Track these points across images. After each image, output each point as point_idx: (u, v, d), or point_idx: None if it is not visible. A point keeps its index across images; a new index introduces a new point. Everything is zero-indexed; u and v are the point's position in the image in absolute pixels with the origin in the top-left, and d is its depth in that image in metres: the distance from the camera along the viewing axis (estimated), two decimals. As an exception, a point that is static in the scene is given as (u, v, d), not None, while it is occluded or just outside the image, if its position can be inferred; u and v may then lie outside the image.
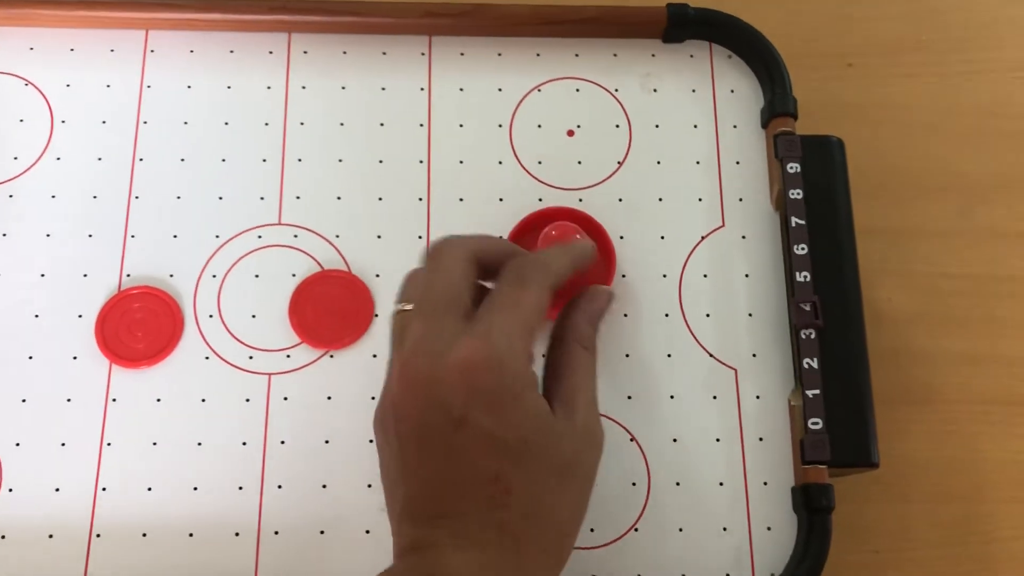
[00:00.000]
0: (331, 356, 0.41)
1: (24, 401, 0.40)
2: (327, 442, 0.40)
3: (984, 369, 0.47)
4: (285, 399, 0.40)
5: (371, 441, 0.39)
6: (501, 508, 0.32)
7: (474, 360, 0.32)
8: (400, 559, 0.32)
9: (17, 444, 0.39)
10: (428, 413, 0.32)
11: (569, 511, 0.34)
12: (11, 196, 0.43)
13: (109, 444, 0.39)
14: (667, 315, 0.42)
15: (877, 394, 0.45)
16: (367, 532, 0.39)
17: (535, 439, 0.32)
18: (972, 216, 0.50)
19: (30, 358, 0.40)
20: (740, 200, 0.44)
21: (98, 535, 0.38)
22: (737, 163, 0.45)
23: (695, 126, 0.45)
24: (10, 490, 0.39)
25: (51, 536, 0.38)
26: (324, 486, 0.39)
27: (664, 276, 0.43)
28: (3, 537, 0.38)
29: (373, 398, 0.40)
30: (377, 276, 0.42)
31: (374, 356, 0.41)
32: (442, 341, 0.33)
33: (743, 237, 0.43)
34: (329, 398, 0.40)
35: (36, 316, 0.41)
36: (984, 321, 0.48)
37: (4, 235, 0.42)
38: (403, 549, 0.32)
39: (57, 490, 0.39)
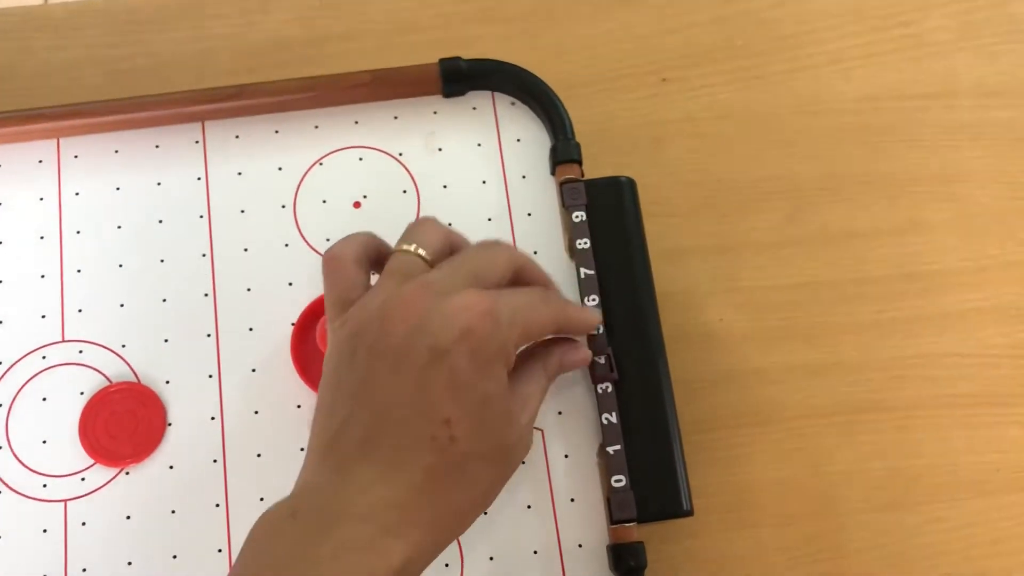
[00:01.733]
0: (127, 473, 0.40)
1: None
2: (129, 564, 0.39)
3: (824, 380, 0.46)
4: (83, 524, 0.39)
5: (175, 557, 0.39)
6: (437, 452, 0.32)
7: (476, 308, 0.33)
8: (309, 482, 0.33)
9: None
10: (414, 336, 0.32)
11: (483, 490, 0.34)
12: None
13: (-96, 596, 0.39)
14: (469, 383, 0.42)
15: (715, 420, 0.44)
16: (175, 652, 0.38)
17: (494, 406, 0.33)
18: (801, 222, 0.49)
19: None
20: (535, 252, 0.43)
21: None
22: (529, 214, 0.43)
23: (483, 181, 0.44)
24: None
25: None
26: (128, 609, 0.39)
27: (463, 342, 0.42)
28: None
29: (173, 511, 0.40)
30: (167, 383, 0.41)
31: (171, 467, 0.40)
32: (452, 288, 0.34)
33: (540, 291, 0.43)
34: (128, 517, 0.39)
35: None
36: (821, 330, 0.47)
37: None
38: (313, 474, 0.33)
39: None
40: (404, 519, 0.31)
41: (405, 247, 0.36)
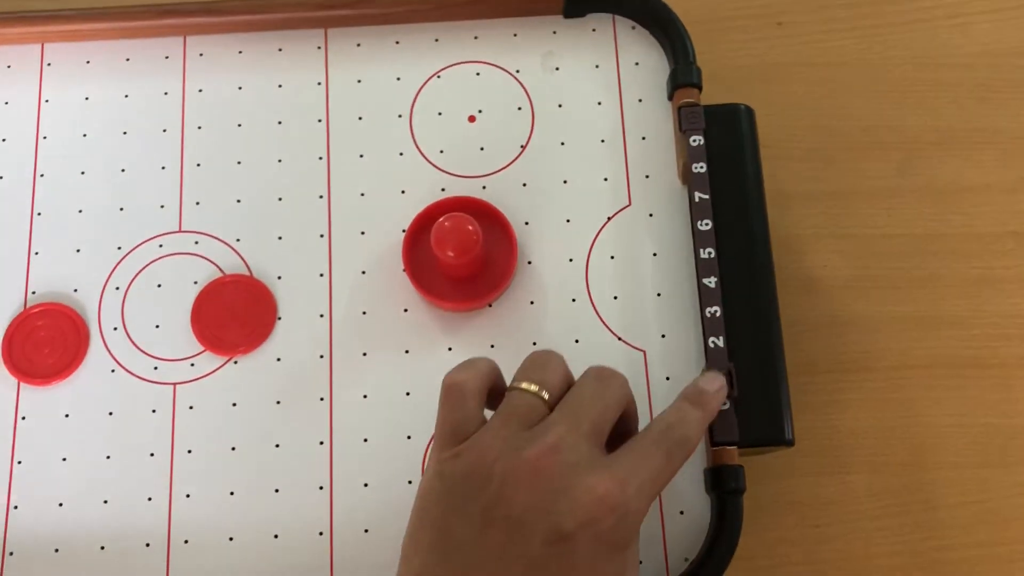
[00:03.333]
0: (235, 362, 0.41)
1: (-65, 424, 0.41)
2: (233, 449, 0.40)
3: (926, 332, 0.46)
4: (191, 408, 0.40)
5: (277, 446, 0.40)
6: None
7: (608, 501, 0.31)
8: None
9: (-72, 467, 0.40)
10: (536, 513, 0.31)
11: None
12: (-85, 221, 0.43)
13: (20, 462, 0.40)
14: (574, 300, 0.41)
15: (811, 365, 0.44)
16: (275, 536, 0.39)
17: None
18: (911, 173, 0.48)
19: (-61, 381, 0.41)
20: (647, 177, 0.43)
21: (11, 553, 0.39)
22: (643, 139, 0.43)
23: (599, 103, 0.44)
24: (-78, 513, 0.39)
25: (-35, 556, 0.39)
26: (232, 493, 0.39)
27: (571, 260, 0.42)
28: (-83, 559, 0.39)
29: (279, 402, 0.40)
30: (279, 278, 0.42)
31: (278, 360, 0.41)
32: (580, 458, 0.32)
33: (650, 215, 0.42)
34: (234, 405, 0.40)
35: (-56, 339, 0.42)
36: (925, 283, 0.46)
37: (-91, 260, 0.43)
38: None
39: (-31, 510, 0.40)
40: None
41: (527, 386, 0.34)
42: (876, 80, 0.49)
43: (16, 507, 0.39)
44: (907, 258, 0.47)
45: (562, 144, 0.43)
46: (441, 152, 0.43)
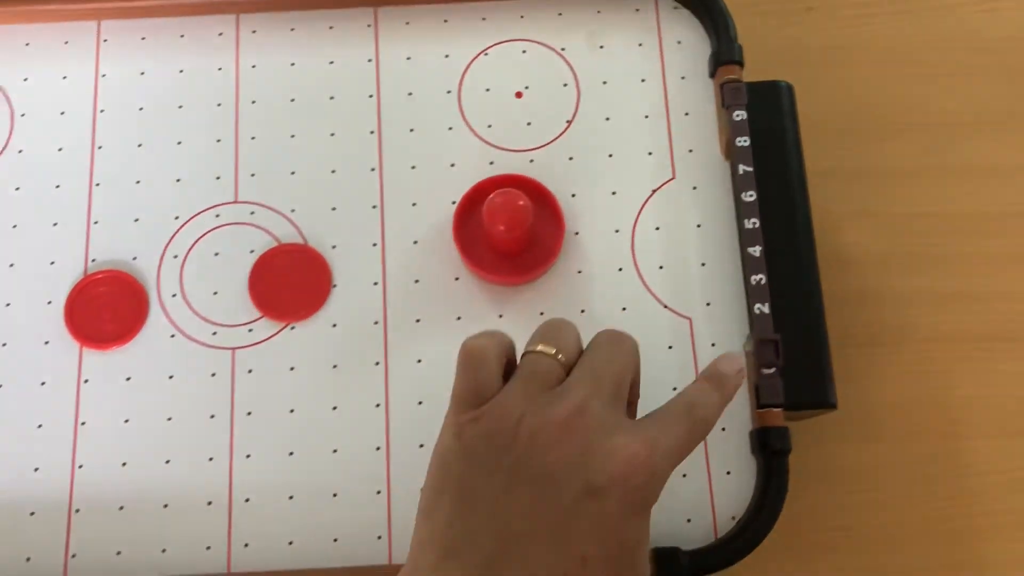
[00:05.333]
0: (292, 328, 0.42)
1: (0, 387, 0.42)
2: (292, 411, 0.41)
3: (956, 306, 0.47)
4: (249, 372, 0.41)
5: (335, 408, 0.41)
6: None
7: (638, 460, 0.32)
8: None
9: (-5, 428, 0.41)
10: (570, 470, 0.32)
11: None
12: (-23, 191, 0.44)
13: (83, 423, 0.41)
14: (620, 269, 0.43)
15: (846, 338, 0.45)
16: (334, 495, 0.40)
17: (635, 554, 0.32)
18: (941, 154, 0.50)
19: (3, 345, 0.42)
20: (690, 151, 0.44)
21: (77, 510, 0.40)
22: (686, 114, 0.45)
23: (643, 80, 0.45)
24: (-10, 472, 0.41)
25: (32, 513, 0.40)
26: (291, 453, 0.40)
27: (616, 231, 0.43)
28: (-14, 517, 0.40)
29: (335, 366, 0.41)
30: (333, 247, 0.43)
31: (333, 326, 0.42)
32: (607, 418, 0.32)
33: (694, 188, 0.44)
34: (292, 368, 0.41)
35: (7, 305, 0.42)
36: (955, 260, 0.48)
37: (-28, 229, 0.44)
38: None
39: (36, 470, 0.40)
40: None
41: (544, 348, 0.34)
42: (906, 63, 0.51)
43: (81, 466, 0.40)
44: (937, 236, 0.48)
45: (607, 119, 0.45)
46: (489, 127, 0.45)
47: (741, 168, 0.42)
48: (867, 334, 0.47)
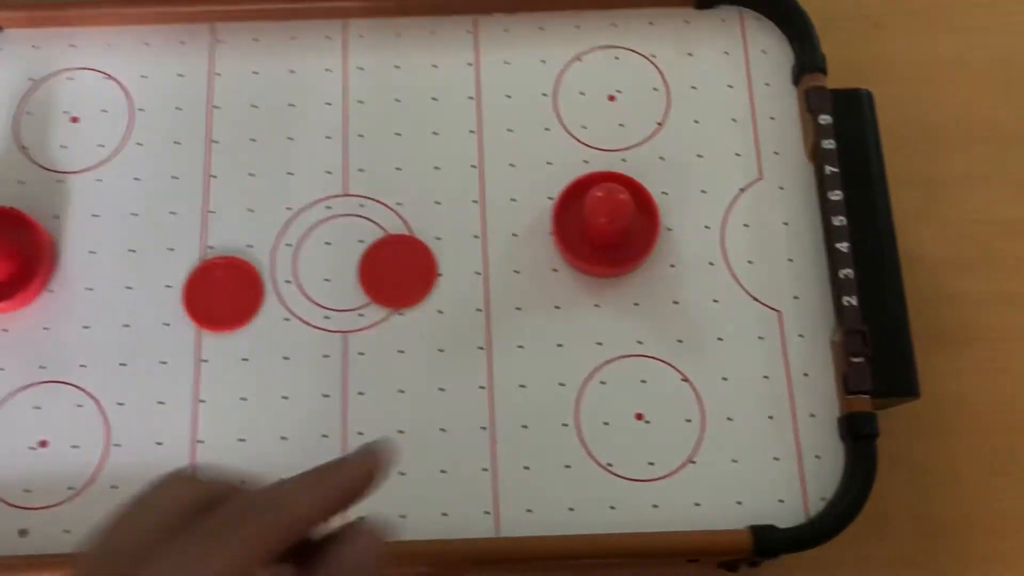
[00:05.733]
0: (400, 314, 0.44)
1: (123, 365, 0.43)
2: (401, 392, 0.43)
3: (1022, 309, 0.49)
4: (361, 354, 0.44)
5: (442, 389, 0.43)
6: None
7: None
8: None
9: (120, 404, 0.43)
10: None
11: None
12: (99, 180, 0.46)
13: (203, 401, 0.43)
14: (711, 264, 0.45)
15: (917, 336, 0.47)
16: (443, 472, 0.42)
17: None
18: (1005, 164, 0.53)
19: (126, 326, 0.44)
20: (776, 154, 0.47)
21: (198, 483, 0.42)
22: (771, 119, 0.47)
23: (730, 86, 0.48)
24: (117, 445, 0.42)
25: (155, 485, 0.42)
26: (401, 431, 0.42)
27: (707, 228, 0.45)
28: (115, 487, 0.41)
29: (441, 350, 0.44)
30: (438, 239, 0.45)
31: (439, 312, 0.44)
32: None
33: (780, 188, 0.46)
34: (401, 352, 0.44)
35: (129, 288, 0.45)
36: (1019, 264, 0.50)
37: (96, 216, 0.46)
38: None
39: (159, 444, 0.42)
40: None
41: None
42: (970, 78, 0.54)
43: (201, 442, 0.42)
44: (1001, 241, 0.51)
45: (696, 122, 0.47)
46: (584, 128, 0.47)
47: (827, 169, 0.45)
48: (936, 332, 0.49)
